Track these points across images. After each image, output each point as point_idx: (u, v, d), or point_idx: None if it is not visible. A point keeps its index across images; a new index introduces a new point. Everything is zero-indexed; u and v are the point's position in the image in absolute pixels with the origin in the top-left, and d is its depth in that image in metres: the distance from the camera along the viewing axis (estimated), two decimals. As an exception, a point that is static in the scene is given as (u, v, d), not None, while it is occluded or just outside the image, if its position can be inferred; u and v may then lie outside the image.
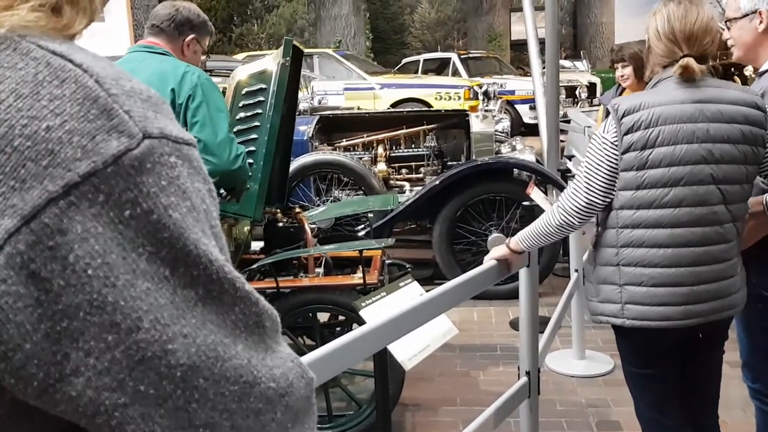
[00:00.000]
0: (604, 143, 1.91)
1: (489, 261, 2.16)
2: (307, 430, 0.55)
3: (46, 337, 0.44)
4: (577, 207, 1.95)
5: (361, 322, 1.90)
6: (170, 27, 2.59)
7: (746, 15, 2.20)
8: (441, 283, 1.90)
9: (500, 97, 6.86)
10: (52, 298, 0.44)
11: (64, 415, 0.46)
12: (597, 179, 1.92)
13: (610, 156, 1.90)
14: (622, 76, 4.28)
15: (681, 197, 1.87)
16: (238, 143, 2.61)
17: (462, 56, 13.93)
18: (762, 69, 2.23)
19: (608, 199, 1.94)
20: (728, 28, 2.28)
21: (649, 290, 1.90)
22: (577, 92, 12.50)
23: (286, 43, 2.88)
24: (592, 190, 1.93)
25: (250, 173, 2.71)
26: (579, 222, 1.97)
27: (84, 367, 0.45)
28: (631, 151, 1.87)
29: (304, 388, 0.55)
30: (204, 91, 2.47)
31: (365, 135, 5.69)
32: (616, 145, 1.89)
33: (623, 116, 1.88)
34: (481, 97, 6.01)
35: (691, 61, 1.88)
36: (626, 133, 1.87)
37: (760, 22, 2.18)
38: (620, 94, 4.34)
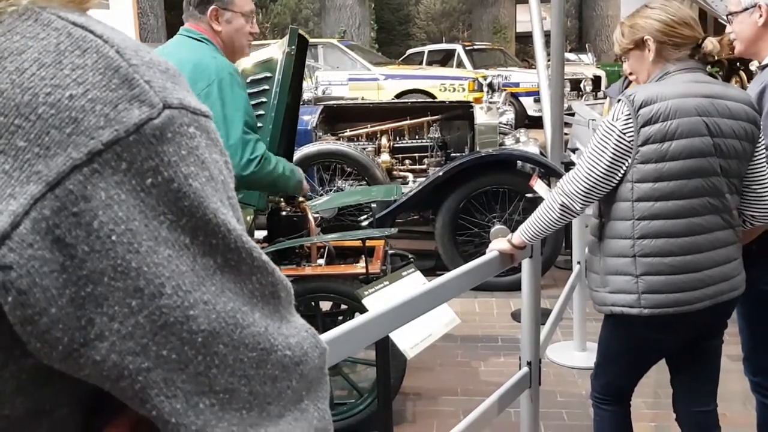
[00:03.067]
0: (611, 130, 1.92)
1: (491, 252, 2.17)
2: (320, 399, 0.56)
3: (71, 302, 0.45)
4: (576, 190, 1.96)
5: (364, 311, 1.91)
6: (194, 9, 2.45)
7: (746, 9, 2.21)
8: (443, 275, 1.91)
9: (504, 89, 6.87)
10: (76, 264, 0.44)
11: (88, 379, 0.47)
12: (599, 165, 1.93)
13: (615, 143, 1.91)
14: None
15: (699, 188, 1.92)
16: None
17: (467, 48, 13.88)
18: (764, 63, 2.23)
19: (608, 187, 1.95)
20: (730, 23, 2.28)
21: (667, 278, 1.94)
22: (581, 85, 12.47)
23: (291, 32, 2.88)
24: (592, 175, 1.94)
25: (277, 173, 2.46)
26: (579, 206, 1.98)
27: (108, 332, 0.45)
28: (649, 144, 1.89)
29: (318, 358, 0.56)
30: (221, 88, 2.33)
31: (369, 125, 5.69)
32: (624, 134, 1.90)
33: (641, 107, 1.89)
34: (485, 89, 6.01)
35: (714, 39, 1.97)
36: (644, 125, 1.88)
37: (760, 15, 2.18)
38: (627, 87, 4.33)
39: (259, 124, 2.87)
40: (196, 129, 0.50)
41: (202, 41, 2.44)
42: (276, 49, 2.97)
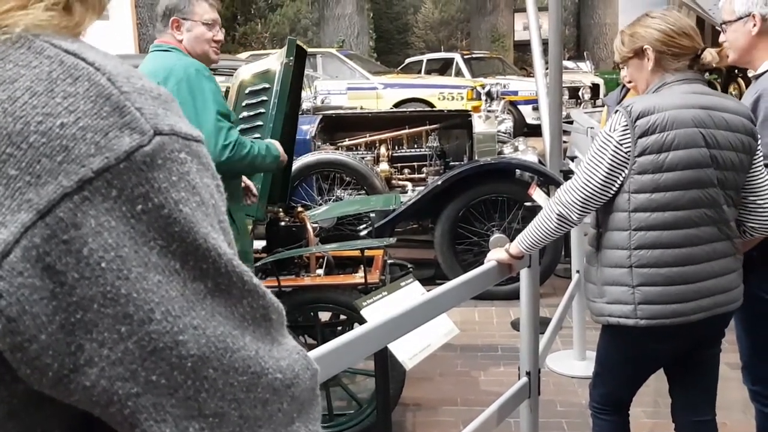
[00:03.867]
0: (608, 141, 1.93)
1: (489, 262, 2.17)
2: (311, 421, 0.56)
3: (61, 329, 0.45)
4: (573, 200, 1.96)
5: (362, 322, 1.91)
6: (159, 23, 2.60)
7: (740, 18, 2.21)
8: (442, 284, 1.91)
9: (503, 98, 6.88)
10: (66, 291, 0.45)
11: (79, 405, 0.47)
12: (596, 175, 1.93)
13: (612, 154, 1.91)
14: (626, 76, 4.28)
15: (696, 199, 1.92)
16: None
17: (465, 56, 13.92)
18: (757, 72, 2.24)
19: (605, 197, 1.95)
20: (723, 31, 2.29)
21: (664, 289, 1.94)
22: (580, 93, 12.49)
23: (289, 43, 2.89)
24: (589, 186, 1.94)
25: (252, 155, 2.55)
26: (577, 216, 1.98)
27: (98, 358, 0.46)
28: (646, 155, 1.89)
29: (309, 379, 0.56)
30: (190, 85, 2.43)
31: (368, 135, 5.69)
32: (621, 145, 1.90)
33: (638, 118, 1.89)
34: (483, 98, 6.00)
35: (713, 50, 1.98)
36: (641, 136, 1.89)
37: (754, 25, 2.19)
38: (625, 95, 4.33)
39: (257, 135, 2.88)
40: (187, 154, 0.50)
41: (169, 51, 2.56)
42: (274, 60, 2.98)
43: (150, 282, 0.47)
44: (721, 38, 2.31)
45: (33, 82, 0.47)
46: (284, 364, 0.54)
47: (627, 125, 1.90)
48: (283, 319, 0.56)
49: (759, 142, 2.01)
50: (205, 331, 0.49)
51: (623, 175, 1.93)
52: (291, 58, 2.84)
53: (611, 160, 1.92)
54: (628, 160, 1.91)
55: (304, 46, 3.05)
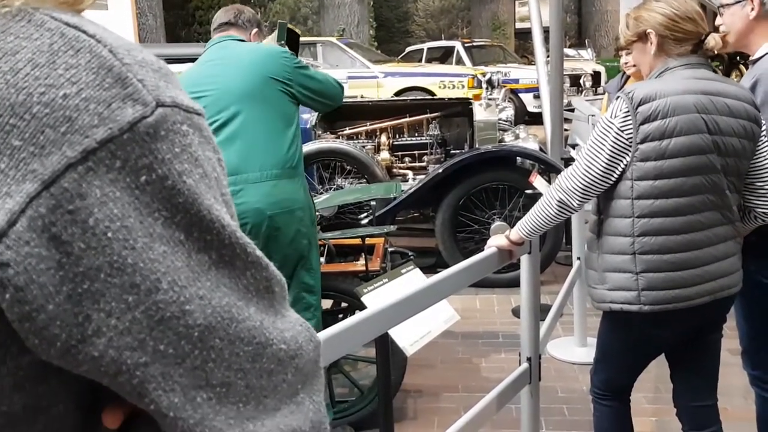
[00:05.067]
0: (609, 127, 1.92)
1: (489, 248, 2.17)
2: (315, 392, 0.57)
3: (68, 299, 0.45)
4: (574, 186, 1.96)
5: (363, 309, 1.91)
6: (242, 21, 2.75)
7: (738, 1, 2.20)
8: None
9: (504, 86, 6.86)
10: (73, 261, 0.45)
11: (87, 375, 0.48)
12: (597, 161, 1.93)
13: (614, 140, 1.91)
14: (626, 63, 4.27)
15: (698, 185, 1.91)
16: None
17: (466, 45, 13.87)
18: (755, 56, 2.23)
19: (606, 184, 1.95)
20: (721, 15, 2.27)
21: (667, 275, 1.94)
22: (581, 81, 12.46)
23: (280, 27, 2.87)
24: (590, 171, 1.94)
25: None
26: (577, 203, 1.98)
27: (105, 328, 0.46)
28: (648, 141, 1.89)
29: (313, 351, 0.57)
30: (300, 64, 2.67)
31: (368, 123, 5.68)
32: (623, 131, 1.90)
33: (639, 104, 1.89)
34: (484, 86, 5.98)
35: (717, 35, 1.98)
36: (643, 123, 1.88)
37: (752, 9, 2.17)
38: (625, 82, 4.32)
39: None
40: (188, 127, 0.50)
41: (242, 41, 2.72)
42: (267, 43, 2.96)
43: (156, 252, 0.47)
44: (718, 21, 2.29)
45: (35, 54, 0.47)
46: (288, 335, 0.54)
47: (628, 111, 1.90)
48: (285, 293, 0.57)
49: (763, 127, 2.00)
50: (211, 302, 0.49)
51: (624, 161, 1.92)
52: (282, 41, 2.83)
53: (612, 146, 1.92)
54: (630, 146, 1.91)
55: (297, 29, 3.04)
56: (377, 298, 1.93)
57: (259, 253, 0.53)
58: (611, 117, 1.93)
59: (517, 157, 4.81)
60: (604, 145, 1.93)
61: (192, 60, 4.07)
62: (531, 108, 11.82)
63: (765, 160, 2.00)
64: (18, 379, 0.48)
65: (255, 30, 2.77)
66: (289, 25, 2.90)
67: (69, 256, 0.45)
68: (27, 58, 0.47)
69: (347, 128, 5.74)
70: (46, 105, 0.45)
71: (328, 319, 3.00)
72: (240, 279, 0.51)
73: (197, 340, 0.48)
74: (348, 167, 5.23)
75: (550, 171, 4.35)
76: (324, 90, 2.64)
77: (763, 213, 2.03)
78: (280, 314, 0.55)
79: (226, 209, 0.52)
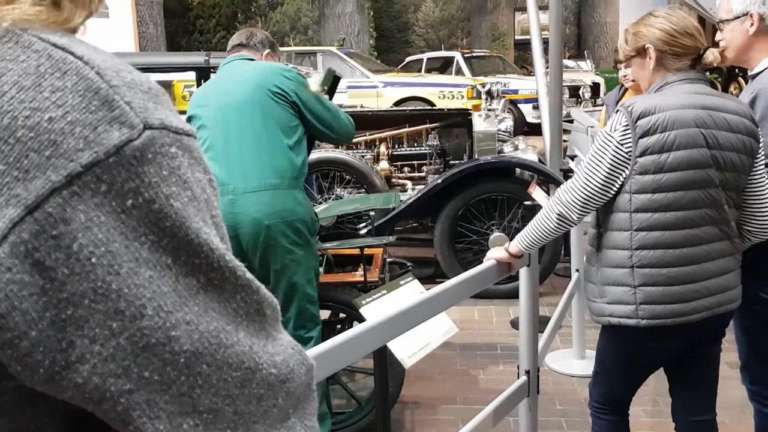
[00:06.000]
0: (608, 141, 1.92)
1: (488, 260, 2.17)
2: (307, 416, 0.56)
3: (52, 325, 0.45)
4: (573, 200, 1.96)
5: (362, 320, 1.91)
6: (255, 42, 2.82)
7: (738, 17, 2.20)
8: (442, 282, 1.91)
9: (503, 97, 6.86)
10: (56, 286, 0.44)
11: (72, 401, 0.47)
12: (596, 175, 1.93)
13: (613, 154, 1.91)
14: (625, 76, 4.27)
15: (697, 199, 1.91)
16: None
17: (466, 55, 13.90)
18: (754, 71, 2.23)
19: (606, 197, 1.95)
20: (720, 30, 2.28)
21: (665, 289, 1.93)
22: (580, 92, 12.48)
23: (327, 73, 2.92)
24: (590, 185, 1.94)
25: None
26: (577, 216, 1.98)
27: (89, 354, 0.45)
28: (647, 155, 1.89)
29: (305, 374, 0.56)
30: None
31: (368, 133, 5.68)
32: (622, 145, 1.90)
33: (639, 118, 1.89)
34: (484, 96, 5.99)
35: (715, 50, 1.99)
36: (642, 136, 1.89)
37: (751, 24, 2.18)
38: (623, 95, 4.33)
39: None
40: (177, 149, 0.50)
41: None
42: (312, 83, 2.98)
43: (141, 277, 0.46)
44: (718, 36, 2.30)
45: (20, 76, 0.46)
46: (279, 359, 0.53)
47: (628, 125, 1.90)
48: (278, 315, 0.56)
49: (761, 143, 2.00)
50: (198, 327, 0.48)
51: (624, 175, 1.92)
52: (326, 87, 2.86)
53: (612, 160, 1.92)
54: (629, 160, 1.91)
55: (340, 75, 3.07)
56: (376, 309, 1.92)
57: (249, 276, 0.53)
58: (611, 130, 1.93)
59: (516, 168, 4.81)
60: (603, 158, 1.93)
61: (192, 69, 4.08)
62: (530, 119, 11.84)
63: (759, 178, 2.00)
64: (3, 404, 0.47)
65: (267, 51, 2.84)
66: (336, 73, 2.93)
67: (52, 282, 0.44)
68: (12, 81, 0.46)
69: (347, 138, 5.73)
70: (31, 129, 0.45)
71: (326, 329, 2.99)
72: (229, 303, 0.51)
73: (183, 366, 0.48)
74: (347, 177, 5.23)
75: (549, 182, 4.35)
76: (330, 120, 2.66)
77: (748, 232, 2.03)
78: (271, 337, 0.54)
79: (216, 231, 0.51)
